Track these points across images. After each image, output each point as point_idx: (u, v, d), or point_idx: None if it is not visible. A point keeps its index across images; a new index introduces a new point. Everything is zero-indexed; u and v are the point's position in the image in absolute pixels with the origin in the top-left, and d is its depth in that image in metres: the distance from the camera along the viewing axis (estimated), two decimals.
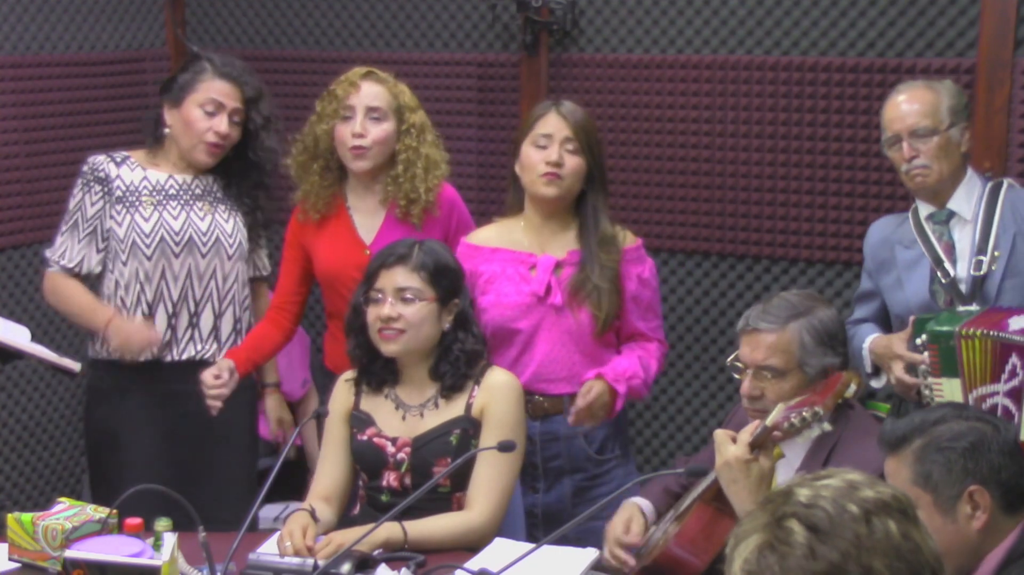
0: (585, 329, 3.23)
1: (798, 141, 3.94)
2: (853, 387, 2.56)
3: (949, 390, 2.90)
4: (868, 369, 3.20)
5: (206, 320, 3.32)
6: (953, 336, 2.87)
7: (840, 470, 1.67)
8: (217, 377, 3.26)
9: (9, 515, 2.67)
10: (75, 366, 3.18)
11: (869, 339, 3.21)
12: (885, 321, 3.29)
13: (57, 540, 2.60)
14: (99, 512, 2.69)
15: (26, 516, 2.65)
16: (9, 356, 3.15)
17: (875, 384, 3.24)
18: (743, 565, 1.62)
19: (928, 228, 3.16)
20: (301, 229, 3.48)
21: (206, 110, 3.30)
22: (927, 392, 2.97)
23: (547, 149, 3.21)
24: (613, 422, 3.33)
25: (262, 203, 3.46)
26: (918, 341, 2.99)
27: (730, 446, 2.51)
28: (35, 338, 3.23)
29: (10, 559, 2.66)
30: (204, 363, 3.33)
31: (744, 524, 1.65)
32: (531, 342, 3.26)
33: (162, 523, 2.64)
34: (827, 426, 2.53)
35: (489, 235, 3.35)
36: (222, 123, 3.29)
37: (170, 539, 2.50)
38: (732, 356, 2.82)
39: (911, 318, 3.06)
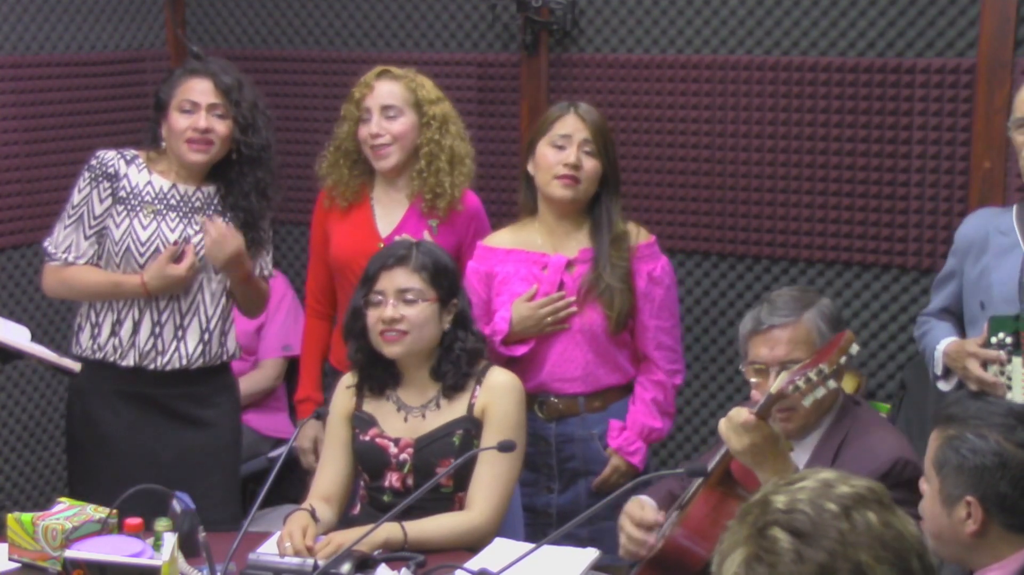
0: (598, 328, 3.24)
1: (798, 141, 3.94)
2: (856, 347, 2.55)
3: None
4: (939, 371, 3.10)
5: (192, 332, 3.31)
6: None
7: (812, 470, 1.69)
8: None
9: (9, 515, 2.67)
10: (75, 366, 3.18)
11: (944, 343, 3.09)
12: (959, 311, 3.16)
13: (57, 540, 2.60)
14: (99, 512, 2.69)
15: (26, 516, 2.65)
16: (9, 356, 3.15)
17: (943, 387, 3.12)
18: None
19: None
20: (325, 215, 3.54)
21: (183, 110, 3.27)
22: (1003, 380, 2.88)
23: (565, 150, 3.21)
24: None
25: (259, 212, 3.38)
26: (993, 340, 2.89)
27: (744, 431, 2.51)
28: (35, 338, 3.22)
29: (10, 559, 2.66)
30: (187, 373, 3.32)
31: (726, 540, 1.66)
32: (545, 341, 3.26)
33: (162, 523, 2.64)
34: (832, 384, 2.53)
35: (504, 237, 3.37)
36: (200, 119, 3.24)
37: (170, 539, 2.50)
38: (747, 363, 2.78)
39: (988, 319, 2.93)
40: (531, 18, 4.16)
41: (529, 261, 3.29)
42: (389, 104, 3.40)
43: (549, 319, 3.22)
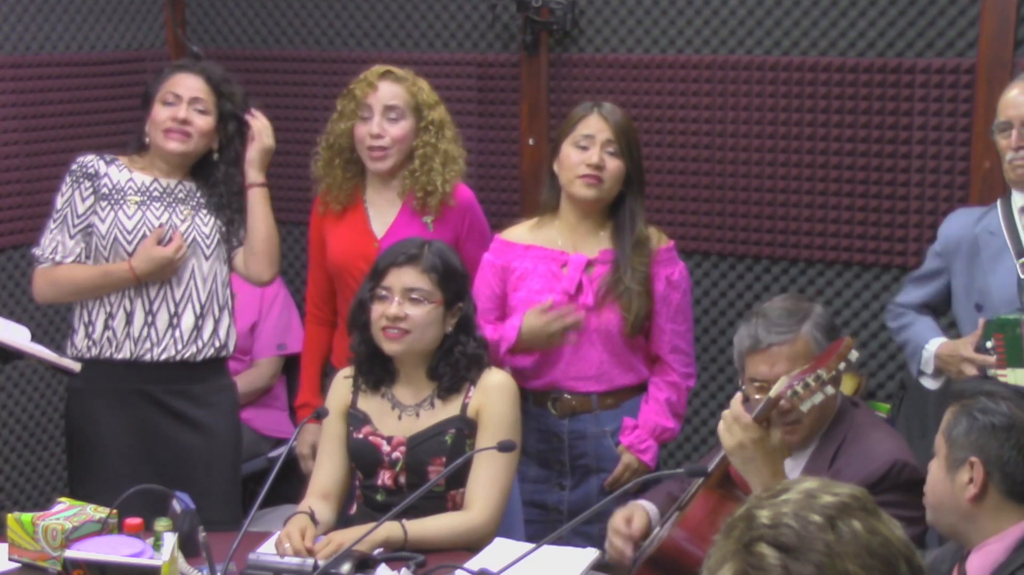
0: (614, 329, 3.24)
1: (798, 141, 3.94)
2: (855, 353, 2.56)
3: (1014, 381, 2.84)
4: (929, 371, 3.14)
5: (187, 321, 3.31)
6: (1020, 324, 2.82)
7: (796, 481, 1.68)
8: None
9: (9, 515, 2.67)
10: (75, 366, 3.18)
11: (935, 344, 3.12)
12: (940, 307, 3.22)
13: (57, 540, 2.60)
14: (99, 512, 2.69)
15: (26, 516, 2.65)
16: (9, 356, 3.15)
17: (931, 385, 3.16)
18: None
19: (1020, 221, 3.06)
20: (321, 221, 3.54)
21: (166, 102, 3.30)
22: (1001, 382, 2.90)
23: (588, 150, 3.22)
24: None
25: (242, 215, 3.42)
26: (988, 344, 2.90)
27: (737, 428, 2.51)
28: (35, 338, 3.22)
29: (10, 559, 2.66)
30: (183, 364, 3.32)
31: (712, 556, 1.65)
32: (560, 340, 3.26)
33: (162, 523, 2.64)
34: (830, 390, 2.54)
35: (523, 232, 3.37)
36: (180, 110, 3.28)
37: (170, 539, 2.50)
38: (746, 379, 2.75)
39: (980, 320, 2.97)
40: (531, 18, 4.16)
41: (548, 259, 3.29)
42: (392, 105, 3.40)
43: (557, 335, 3.23)
